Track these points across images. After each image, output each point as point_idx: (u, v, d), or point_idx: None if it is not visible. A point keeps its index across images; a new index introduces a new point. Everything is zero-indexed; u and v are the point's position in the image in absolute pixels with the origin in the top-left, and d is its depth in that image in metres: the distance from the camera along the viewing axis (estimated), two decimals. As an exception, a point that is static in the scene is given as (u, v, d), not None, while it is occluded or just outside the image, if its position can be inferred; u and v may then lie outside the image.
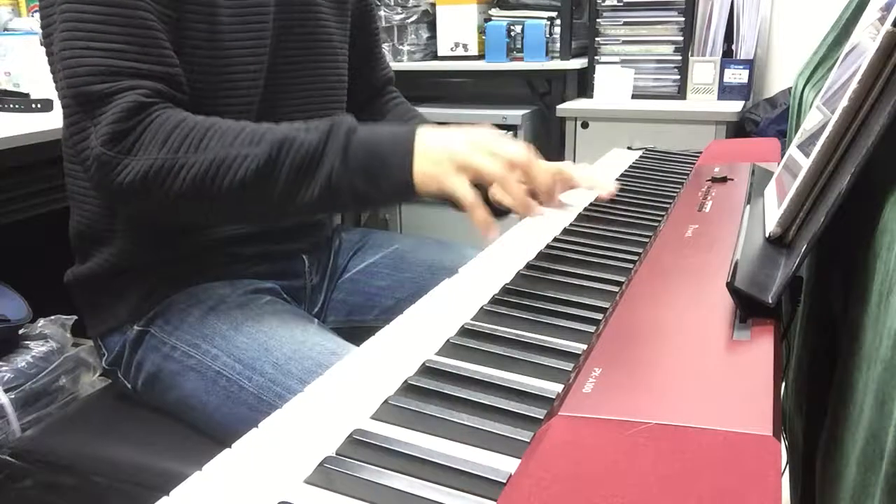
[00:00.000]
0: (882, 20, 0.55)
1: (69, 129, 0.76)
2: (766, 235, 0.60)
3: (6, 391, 1.28)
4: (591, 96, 2.58)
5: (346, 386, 0.53)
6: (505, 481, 0.41)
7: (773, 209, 0.63)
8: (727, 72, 2.39)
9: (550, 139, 2.64)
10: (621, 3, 2.49)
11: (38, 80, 1.71)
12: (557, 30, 2.56)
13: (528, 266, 0.74)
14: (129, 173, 0.73)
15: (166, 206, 0.76)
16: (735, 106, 2.32)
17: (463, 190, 0.70)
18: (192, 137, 0.74)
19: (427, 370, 0.55)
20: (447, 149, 0.71)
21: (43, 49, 1.77)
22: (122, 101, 0.73)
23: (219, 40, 0.82)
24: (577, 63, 2.55)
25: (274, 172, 0.73)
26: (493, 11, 2.67)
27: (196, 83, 0.82)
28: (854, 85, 0.52)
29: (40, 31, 0.80)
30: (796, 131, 0.76)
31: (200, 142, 0.73)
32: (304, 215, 0.92)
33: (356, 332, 0.83)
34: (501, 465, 0.43)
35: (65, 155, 0.89)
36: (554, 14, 2.55)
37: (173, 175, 0.73)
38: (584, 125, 2.43)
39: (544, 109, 2.69)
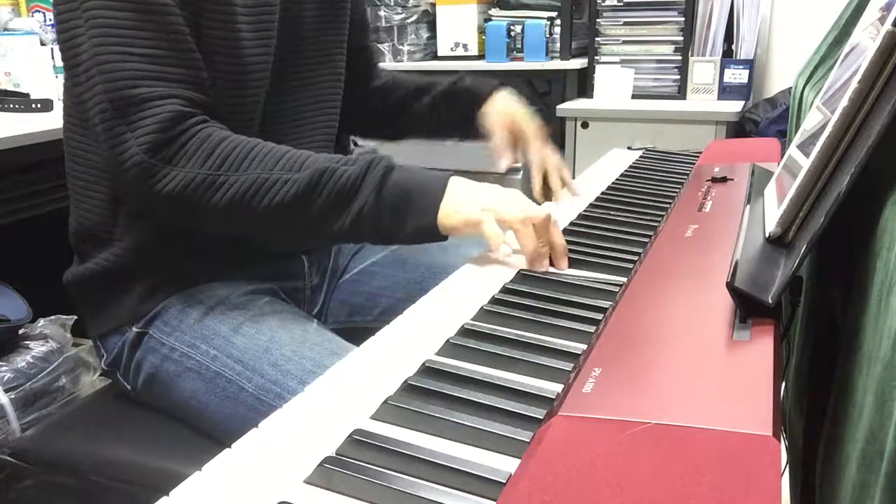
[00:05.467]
0: (882, 20, 0.55)
1: (103, 134, 0.76)
2: (766, 235, 0.60)
3: (6, 391, 1.28)
4: (591, 96, 2.58)
5: (345, 386, 0.53)
6: (505, 481, 0.41)
7: (773, 209, 0.63)
8: (727, 72, 2.39)
9: (550, 139, 2.63)
10: (621, 3, 2.48)
11: (38, 80, 1.71)
12: (557, 30, 2.56)
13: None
14: (170, 182, 0.75)
15: (200, 219, 0.79)
16: (735, 106, 2.32)
17: (478, 218, 0.74)
18: (236, 157, 0.76)
19: (427, 370, 0.55)
20: (474, 193, 0.76)
21: (43, 49, 1.78)
22: (162, 108, 0.75)
23: (236, 42, 0.83)
24: (577, 63, 2.55)
25: (311, 199, 0.76)
26: (493, 11, 2.67)
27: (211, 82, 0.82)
28: (854, 85, 0.52)
29: (56, 37, 0.79)
30: (796, 131, 0.76)
31: (243, 162, 0.76)
32: (331, 243, 0.95)
33: (356, 333, 0.83)
34: (501, 465, 0.43)
35: (67, 154, 0.88)
36: (554, 14, 2.55)
37: (213, 190, 0.76)
38: (584, 125, 2.43)
39: (544, 109, 2.68)
